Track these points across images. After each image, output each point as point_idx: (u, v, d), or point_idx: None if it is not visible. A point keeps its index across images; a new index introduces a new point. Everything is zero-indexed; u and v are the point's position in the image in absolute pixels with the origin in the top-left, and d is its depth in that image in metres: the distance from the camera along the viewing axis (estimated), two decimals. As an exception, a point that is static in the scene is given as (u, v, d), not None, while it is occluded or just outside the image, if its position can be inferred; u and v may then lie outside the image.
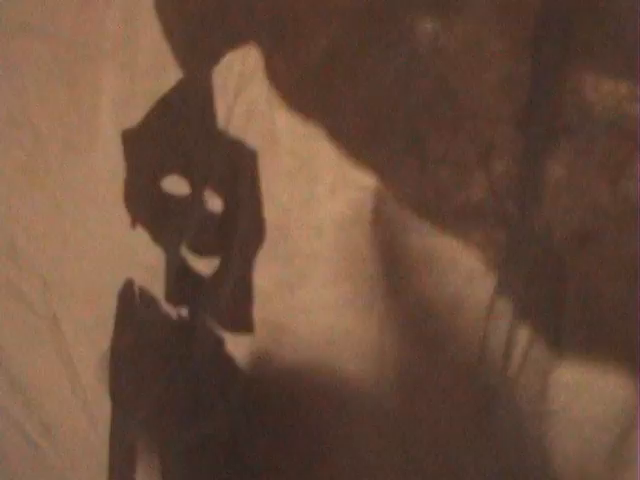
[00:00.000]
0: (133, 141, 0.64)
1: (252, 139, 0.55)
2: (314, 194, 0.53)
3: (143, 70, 0.61)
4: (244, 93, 0.55)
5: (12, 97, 0.67)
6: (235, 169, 0.58)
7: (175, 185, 0.62)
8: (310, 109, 0.53)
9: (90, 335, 0.68)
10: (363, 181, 0.51)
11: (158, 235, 0.63)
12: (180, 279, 0.62)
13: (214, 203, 0.60)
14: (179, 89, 0.60)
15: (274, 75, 0.54)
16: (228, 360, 0.60)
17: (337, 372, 0.55)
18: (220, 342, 0.61)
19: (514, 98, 0.46)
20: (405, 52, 0.48)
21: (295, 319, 0.55)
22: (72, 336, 0.69)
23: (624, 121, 0.44)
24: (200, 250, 0.61)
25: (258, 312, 0.58)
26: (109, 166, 0.64)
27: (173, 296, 0.63)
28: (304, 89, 0.53)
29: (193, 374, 0.62)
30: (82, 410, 0.70)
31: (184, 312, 0.62)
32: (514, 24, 0.45)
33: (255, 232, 0.57)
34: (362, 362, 0.54)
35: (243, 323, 0.59)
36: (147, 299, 0.64)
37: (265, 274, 0.57)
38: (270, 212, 0.56)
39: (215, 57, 0.57)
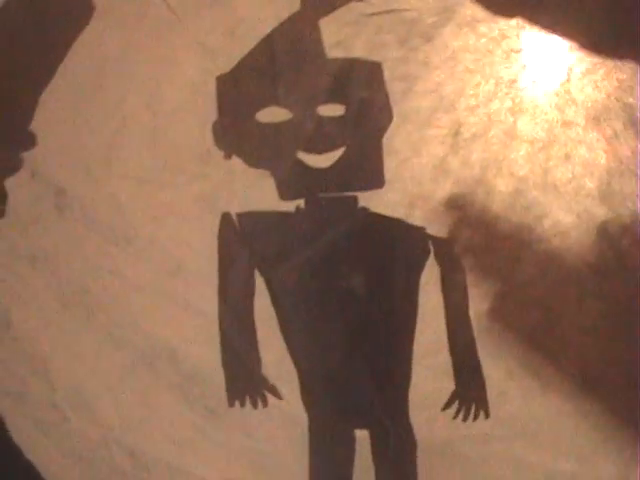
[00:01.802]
0: (227, 84, 0.74)
1: (494, 134, 0.72)
2: (550, 162, 0.72)
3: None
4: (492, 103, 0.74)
5: (208, 135, 0.75)
6: (353, 79, 0.73)
7: (271, 115, 0.74)
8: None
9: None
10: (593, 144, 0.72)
11: (253, 160, 0.74)
12: (296, 178, 0.73)
13: (332, 109, 0.74)
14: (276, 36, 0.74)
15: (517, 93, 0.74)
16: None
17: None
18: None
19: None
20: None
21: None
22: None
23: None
24: (320, 149, 0.73)
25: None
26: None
27: (288, 194, 0.73)
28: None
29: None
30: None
31: (302, 203, 0.74)
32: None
33: (387, 118, 0.73)
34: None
35: (379, 181, 0.73)
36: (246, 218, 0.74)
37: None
38: (509, 182, 0.72)
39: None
